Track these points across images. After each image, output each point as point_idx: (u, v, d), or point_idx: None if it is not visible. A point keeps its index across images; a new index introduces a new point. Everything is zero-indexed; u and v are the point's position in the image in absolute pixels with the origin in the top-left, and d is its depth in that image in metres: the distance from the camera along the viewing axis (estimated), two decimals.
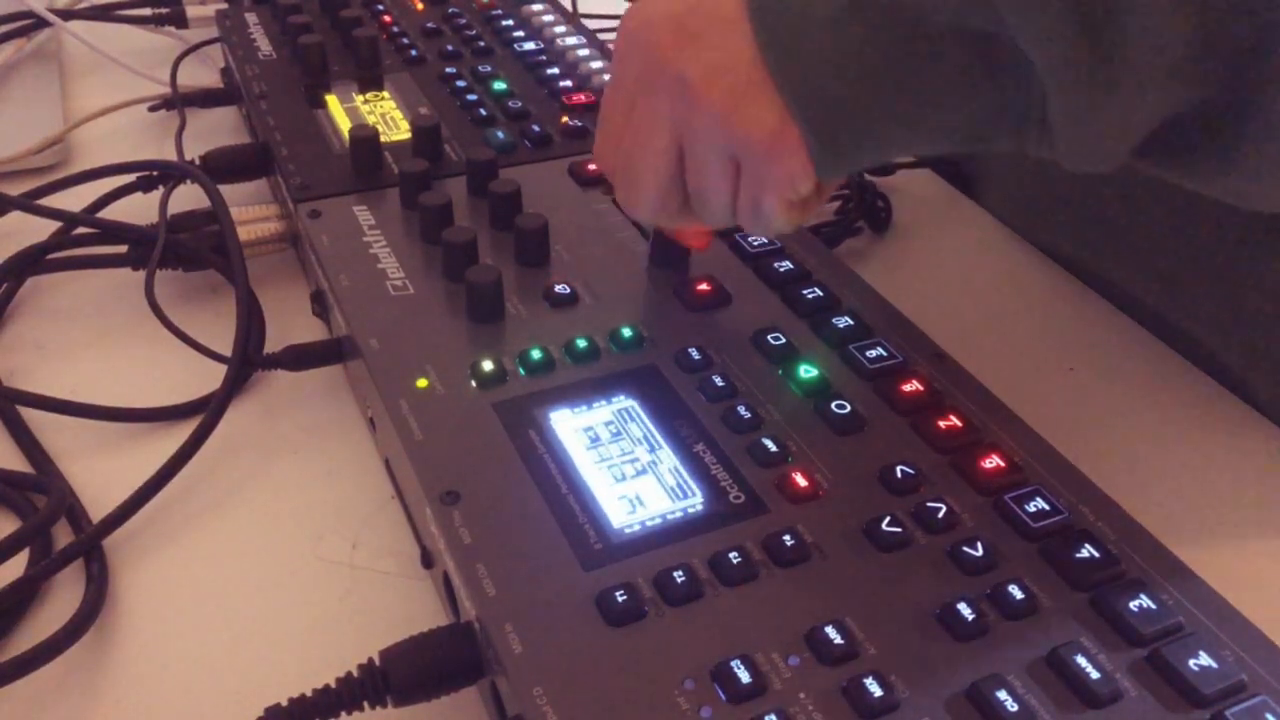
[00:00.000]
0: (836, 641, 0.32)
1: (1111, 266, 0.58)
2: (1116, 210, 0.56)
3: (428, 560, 0.41)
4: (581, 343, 0.44)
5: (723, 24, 0.37)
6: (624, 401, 0.42)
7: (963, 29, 0.34)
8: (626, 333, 0.45)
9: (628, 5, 0.42)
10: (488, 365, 0.43)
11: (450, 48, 0.68)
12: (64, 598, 0.42)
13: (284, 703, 0.34)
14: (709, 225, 0.43)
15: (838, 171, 0.38)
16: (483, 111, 0.61)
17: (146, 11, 0.81)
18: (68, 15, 0.80)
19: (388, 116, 0.61)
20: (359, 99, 0.63)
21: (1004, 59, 0.34)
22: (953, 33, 0.34)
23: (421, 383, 0.42)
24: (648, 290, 0.48)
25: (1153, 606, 0.33)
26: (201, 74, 0.76)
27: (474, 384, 0.42)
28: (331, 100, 0.63)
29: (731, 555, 0.35)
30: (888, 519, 0.36)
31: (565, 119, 0.61)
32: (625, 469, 0.39)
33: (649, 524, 0.37)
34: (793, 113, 0.36)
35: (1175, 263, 0.54)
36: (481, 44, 0.69)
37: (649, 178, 0.41)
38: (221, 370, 0.49)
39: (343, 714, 0.35)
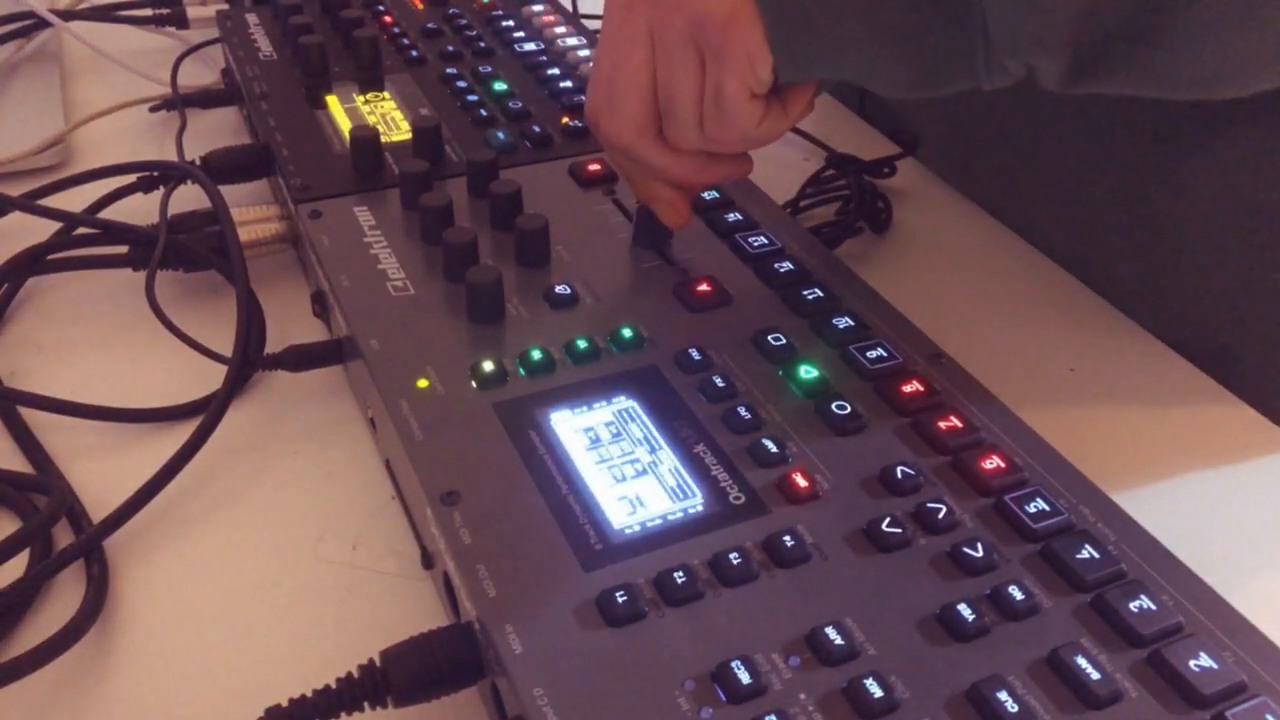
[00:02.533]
0: (837, 642, 0.32)
1: (1032, 209, 0.62)
2: (1033, 156, 0.60)
3: (428, 561, 0.41)
4: (582, 343, 0.44)
5: None
6: (624, 402, 0.42)
7: None
8: (627, 333, 0.45)
9: None
10: (488, 366, 0.43)
11: (451, 48, 0.68)
12: (64, 598, 0.42)
13: (284, 703, 0.34)
14: (680, 141, 0.44)
15: (794, 58, 0.40)
16: (483, 112, 0.61)
17: (147, 12, 0.81)
18: (68, 16, 0.80)
19: (388, 117, 0.61)
20: (359, 99, 0.63)
21: None
22: None
23: (422, 383, 0.42)
24: (648, 290, 0.48)
25: (1153, 607, 0.33)
26: (202, 74, 0.76)
27: (474, 384, 0.42)
28: (332, 101, 0.63)
29: (732, 556, 0.35)
30: (888, 519, 0.36)
31: (566, 119, 0.61)
32: (625, 469, 0.39)
33: (649, 525, 0.37)
34: None
35: (1082, 199, 0.58)
36: (482, 44, 0.69)
37: (628, 91, 0.43)
38: (222, 371, 0.49)
39: (343, 714, 0.35)
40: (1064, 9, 0.37)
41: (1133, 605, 0.33)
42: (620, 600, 0.34)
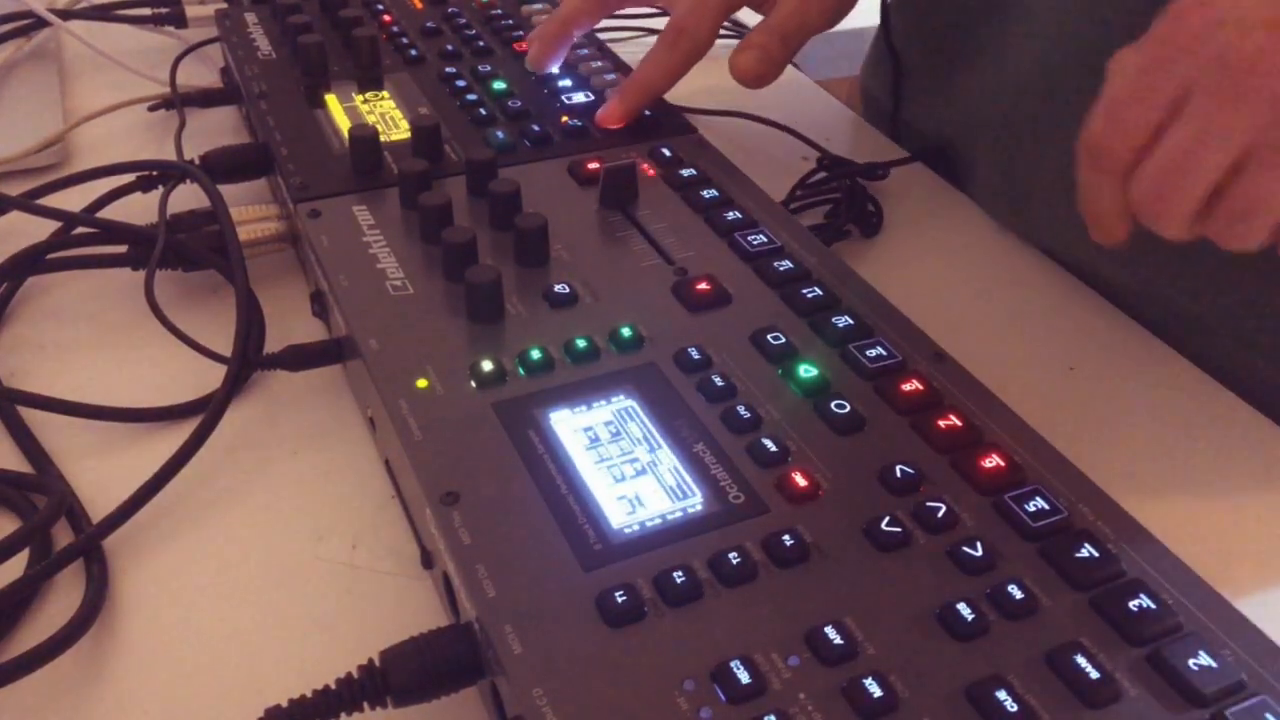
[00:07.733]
0: (836, 642, 0.32)
1: (1031, 209, 0.60)
2: (1032, 156, 0.59)
3: (428, 561, 0.41)
4: (581, 343, 0.44)
5: None
6: (623, 401, 0.42)
7: None
8: (626, 333, 0.45)
9: None
10: (487, 365, 0.43)
11: (450, 47, 0.68)
12: (64, 598, 0.42)
13: (284, 703, 0.34)
14: (1237, 245, 0.40)
15: None
16: (482, 111, 0.61)
17: (146, 11, 0.81)
18: (67, 15, 0.79)
19: (387, 116, 0.61)
20: (359, 99, 0.63)
21: None
22: None
23: (421, 383, 0.42)
24: (647, 290, 0.48)
25: (1152, 606, 0.33)
26: (201, 74, 0.76)
27: (474, 384, 0.42)
28: (331, 100, 0.63)
29: (731, 555, 0.35)
30: (887, 519, 0.36)
31: (565, 118, 0.61)
32: (625, 469, 0.39)
33: (649, 524, 0.37)
34: None
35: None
36: (481, 44, 0.69)
37: (1190, 189, 0.38)
38: (221, 370, 0.49)
39: (342, 714, 0.35)
40: None
41: (1132, 604, 0.33)
42: (620, 600, 0.34)
